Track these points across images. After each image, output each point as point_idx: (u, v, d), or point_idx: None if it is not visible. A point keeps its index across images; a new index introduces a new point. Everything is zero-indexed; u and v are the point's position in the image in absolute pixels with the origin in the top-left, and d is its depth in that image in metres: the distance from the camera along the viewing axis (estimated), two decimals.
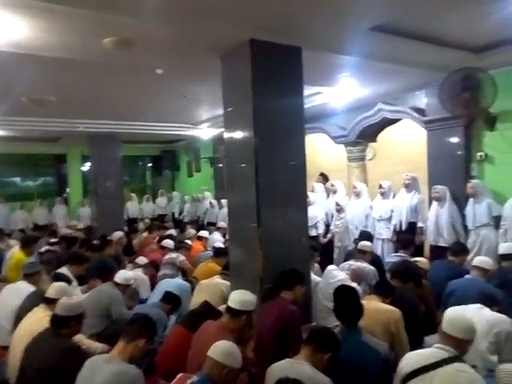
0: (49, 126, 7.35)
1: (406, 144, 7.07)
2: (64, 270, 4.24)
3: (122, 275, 3.85)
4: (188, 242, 5.93)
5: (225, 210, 8.69)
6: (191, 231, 6.98)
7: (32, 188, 11.69)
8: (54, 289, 3.07)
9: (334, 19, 3.29)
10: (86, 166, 11.05)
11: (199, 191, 10.64)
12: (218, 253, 4.85)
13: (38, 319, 2.88)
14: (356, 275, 3.74)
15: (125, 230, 7.82)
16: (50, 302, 2.96)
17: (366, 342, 2.33)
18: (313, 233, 6.27)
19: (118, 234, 6.35)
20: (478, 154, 5.01)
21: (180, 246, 5.56)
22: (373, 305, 2.75)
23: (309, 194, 6.47)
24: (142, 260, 5.00)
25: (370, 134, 6.73)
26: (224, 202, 8.85)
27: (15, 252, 5.57)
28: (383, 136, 7.03)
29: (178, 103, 6.37)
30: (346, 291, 2.62)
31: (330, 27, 3.44)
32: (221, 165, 10.17)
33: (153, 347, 2.88)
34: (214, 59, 3.73)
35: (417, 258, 4.16)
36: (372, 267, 4.13)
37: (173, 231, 7.16)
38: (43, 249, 5.52)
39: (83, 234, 7.61)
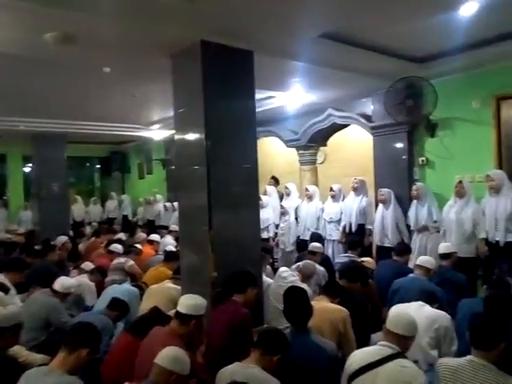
0: None
1: (355, 148, 7.31)
2: (1, 277, 3.94)
3: (60, 282, 3.64)
4: (138, 246, 5.75)
5: (177, 213, 8.56)
6: (142, 235, 6.78)
7: None
8: None
9: (284, 26, 3.35)
10: (28, 167, 10.41)
11: (151, 194, 10.38)
12: (169, 257, 4.73)
13: None
14: (304, 273, 3.80)
15: (70, 234, 7.47)
16: None
17: (314, 342, 2.37)
18: (264, 235, 6.32)
19: (63, 239, 6.04)
20: (420, 158, 5.29)
21: (129, 250, 5.38)
22: (321, 305, 2.81)
23: (262, 196, 6.55)
24: (87, 266, 4.78)
25: (320, 138, 6.91)
26: (176, 204, 8.71)
27: None
28: (334, 140, 7.23)
29: (128, 103, 6.20)
30: (295, 292, 2.64)
31: (281, 33, 3.49)
32: (173, 167, 10.00)
33: (98, 356, 2.76)
34: (164, 59, 3.67)
35: (363, 258, 4.31)
36: (322, 268, 4.23)
37: (122, 235, 6.91)
38: None
39: (24, 239, 7.17)
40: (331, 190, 5.88)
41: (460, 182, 4.55)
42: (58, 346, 2.86)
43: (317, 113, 6.46)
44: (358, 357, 2.13)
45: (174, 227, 7.36)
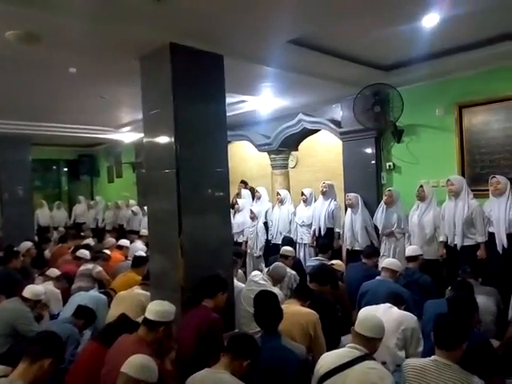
0: None
1: (326, 153, 7.45)
2: None
3: (31, 289, 3.52)
4: (106, 251, 5.61)
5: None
6: (110, 240, 6.61)
7: None
8: None
9: (253, 31, 3.37)
10: None
11: (121, 198, 10.15)
12: (138, 262, 4.64)
13: None
14: (274, 277, 3.80)
15: (35, 239, 7.19)
16: None
17: (284, 346, 2.38)
18: (240, 239, 6.32)
19: (27, 245, 5.82)
20: (387, 163, 5.43)
21: (97, 256, 5.23)
22: (292, 308, 2.82)
23: (238, 200, 6.56)
24: (53, 272, 4.62)
25: (292, 142, 6.98)
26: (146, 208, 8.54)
27: None
28: (305, 145, 7.33)
29: (97, 105, 6.04)
30: (265, 296, 2.65)
31: (250, 38, 3.52)
32: (143, 170, 9.81)
33: (63, 366, 2.66)
34: (133, 61, 3.61)
35: (333, 261, 4.37)
36: (293, 271, 4.26)
37: (90, 240, 6.73)
38: None
39: None
40: (302, 194, 5.93)
41: (421, 186, 4.70)
42: (20, 356, 2.77)
43: (288, 117, 6.52)
44: (328, 359, 2.16)
45: (144, 232, 7.24)
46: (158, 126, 3.52)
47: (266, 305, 2.55)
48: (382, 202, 5.05)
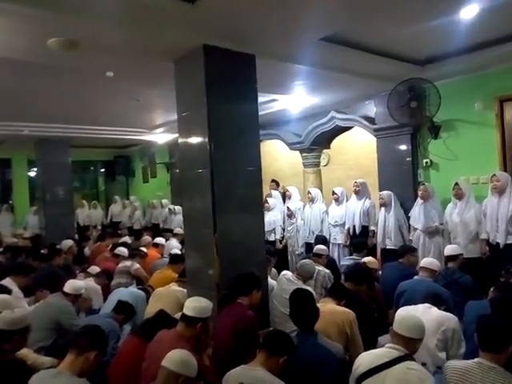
0: None
1: (359, 150, 7.34)
2: (7, 281, 3.98)
3: (71, 284, 3.67)
4: (143, 249, 5.77)
5: (181, 216, 8.57)
6: (147, 238, 6.79)
7: None
8: None
9: (285, 30, 3.36)
10: (33, 172, 10.46)
11: (155, 197, 10.41)
12: (174, 259, 4.74)
13: None
14: (302, 275, 3.78)
15: (75, 238, 7.49)
16: None
17: (321, 345, 2.37)
18: (271, 238, 6.34)
19: (69, 243, 6.06)
20: (424, 160, 5.29)
21: (134, 253, 5.38)
22: (327, 307, 2.81)
23: (268, 199, 6.59)
24: (93, 269, 4.79)
25: (324, 140, 6.92)
26: (180, 208, 8.72)
27: None
28: (337, 142, 7.25)
29: (132, 107, 6.23)
30: (301, 295, 2.65)
31: (282, 37, 3.51)
32: (177, 170, 10.02)
33: (105, 359, 2.77)
34: (167, 63, 3.69)
35: (365, 259, 4.28)
36: (327, 270, 4.23)
37: (127, 238, 6.94)
38: None
39: (30, 243, 7.21)
40: (333, 193, 5.89)
41: (456, 184, 4.55)
42: (65, 349, 2.89)
43: (320, 115, 6.47)
44: (366, 359, 2.13)
45: (179, 230, 7.39)
46: (192, 127, 3.59)
47: (302, 303, 2.54)
48: (418, 197, 4.93)
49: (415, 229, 4.98)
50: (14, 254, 5.79)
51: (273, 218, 6.41)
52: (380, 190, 5.50)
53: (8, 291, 3.44)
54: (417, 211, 4.93)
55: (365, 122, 5.88)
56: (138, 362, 2.56)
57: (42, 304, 3.63)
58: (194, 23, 3.11)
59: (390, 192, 5.27)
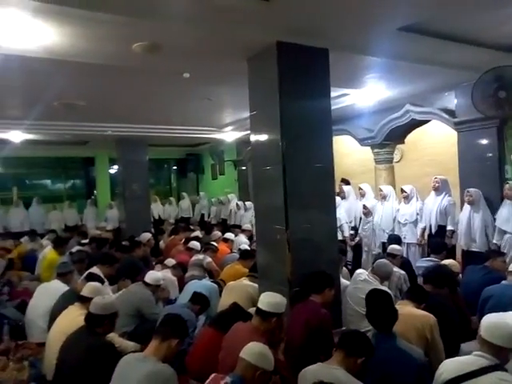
0: (78, 130, 7.56)
1: (435, 145, 6.92)
2: (95, 269, 4.33)
3: (152, 276, 3.92)
4: (214, 243, 5.96)
5: (249, 212, 8.74)
6: (217, 233, 7.01)
7: (62, 190, 12.04)
8: (88, 288, 3.15)
9: (361, 21, 3.26)
10: (114, 169, 11.29)
11: (223, 193, 10.71)
12: (245, 255, 4.85)
13: (73, 317, 2.95)
14: (379, 275, 3.65)
15: (151, 231, 7.94)
16: (84, 301, 3.03)
17: (401, 348, 2.28)
18: (339, 236, 6.22)
19: (147, 236, 6.45)
20: None
21: (206, 247, 5.59)
22: (406, 310, 2.69)
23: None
24: (170, 261, 5.06)
25: (397, 135, 6.62)
26: (248, 204, 8.90)
27: (47, 252, 5.75)
28: (411, 137, 6.90)
29: (203, 106, 6.43)
30: (378, 295, 2.56)
31: (358, 29, 3.41)
32: (244, 167, 10.22)
33: (183, 347, 2.91)
34: (241, 62, 3.76)
35: (447, 261, 4.02)
36: (402, 271, 4.05)
37: (198, 233, 7.22)
38: (74, 249, 5.67)
39: (112, 235, 7.77)
40: (402, 191, 5.64)
41: None
42: (145, 335, 3.08)
43: (393, 109, 6.21)
44: (451, 366, 2.01)
45: (247, 226, 7.54)
46: (265, 124, 3.62)
47: (380, 304, 2.46)
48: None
49: (504, 231, 4.59)
50: (99, 245, 6.28)
51: (338, 215, 6.26)
52: (461, 188, 5.14)
53: (99, 279, 3.73)
54: (505, 212, 4.55)
55: (444, 115, 5.52)
56: (215, 352, 2.66)
57: (126, 292, 3.91)
58: (268, 21, 3.13)
59: (478, 190, 4.90)
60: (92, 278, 3.71)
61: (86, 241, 6.66)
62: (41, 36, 3.03)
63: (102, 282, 3.75)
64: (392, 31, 3.51)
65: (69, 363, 2.51)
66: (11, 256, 6.06)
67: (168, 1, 2.74)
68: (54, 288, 3.93)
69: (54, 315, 3.43)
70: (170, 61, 3.85)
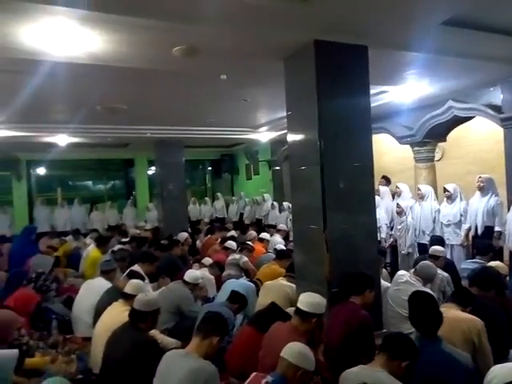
0: (120, 133, 7.84)
1: (480, 142, 6.63)
2: (136, 267, 4.46)
3: (190, 274, 4.00)
4: (250, 243, 5.99)
5: (284, 212, 8.73)
6: (252, 233, 7.04)
7: (103, 191, 12.51)
8: (131, 285, 3.25)
9: (402, 16, 3.17)
10: (152, 170, 11.61)
11: (258, 194, 10.75)
12: (281, 255, 4.84)
13: (117, 313, 3.05)
14: (422, 277, 3.54)
15: (188, 230, 8.09)
16: (128, 298, 3.12)
17: (447, 352, 2.20)
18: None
19: (184, 235, 6.58)
20: None
21: (243, 247, 5.63)
22: (451, 313, 2.59)
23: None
24: (207, 260, 5.14)
25: (439, 133, 6.39)
26: (285, 204, 8.88)
27: (91, 250, 5.98)
28: (452, 135, 6.64)
29: (239, 107, 6.49)
30: (422, 297, 2.49)
31: (399, 24, 3.32)
32: (278, 167, 10.21)
33: (222, 345, 2.94)
34: (277, 62, 3.75)
35: (493, 263, 3.84)
36: (445, 273, 3.92)
37: (234, 232, 7.28)
38: (116, 247, 5.87)
39: (151, 235, 7.99)
40: (445, 190, 5.43)
41: None
42: (185, 332, 3.14)
43: (434, 106, 6.00)
44: (502, 372, 1.91)
45: (282, 226, 7.53)
46: (302, 123, 3.60)
47: (424, 306, 2.38)
48: None
49: None
50: (139, 244, 6.48)
51: (377, 215, 6.12)
52: (508, 187, 4.90)
53: (140, 277, 3.85)
54: None
55: (489, 111, 5.28)
56: (254, 351, 2.67)
57: (166, 290, 4.01)
58: (306, 19, 3.10)
59: None
60: (134, 275, 3.82)
61: (127, 240, 6.88)
62: (87, 43, 3.15)
63: (143, 280, 3.86)
64: (435, 25, 3.40)
65: (114, 357, 2.60)
66: (57, 254, 6.36)
67: (206, 5, 2.78)
68: (98, 285, 4.08)
69: (98, 311, 3.57)
70: (208, 63, 3.91)
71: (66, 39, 3.05)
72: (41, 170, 11.32)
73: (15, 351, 2.18)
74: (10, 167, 10.32)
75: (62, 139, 7.97)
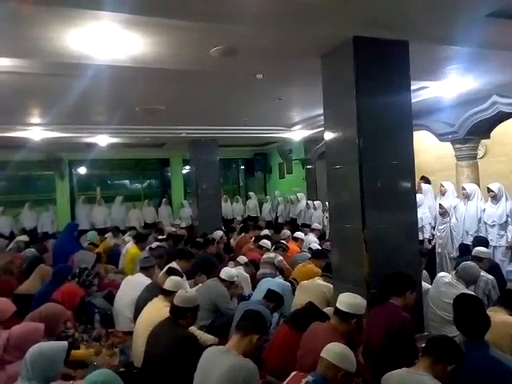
0: (156, 133, 8.03)
1: None
2: (174, 264, 4.56)
3: (227, 272, 4.04)
4: (284, 242, 5.98)
5: (319, 211, 8.66)
6: (286, 232, 7.03)
7: (139, 190, 12.86)
8: (170, 282, 3.32)
9: (445, 8, 3.06)
10: (186, 169, 11.81)
11: (291, 192, 10.70)
12: (317, 254, 4.80)
13: (157, 309, 3.14)
14: (464, 278, 3.40)
15: (222, 229, 8.17)
16: (167, 294, 3.20)
17: (494, 357, 2.11)
18: (419, 237, 5.92)
19: (219, 233, 6.66)
20: None
21: (277, 246, 5.63)
22: (499, 317, 2.49)
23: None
24: (242, 259, 5.18)
25: (482, 129, 6.12)
26: (317, 203, 8.80)
27: (130, 247, 6.16)
28: (496, 131, 6.35)
29: (273, 106, 6.48)
30: (468, 300, 2.40)
31: (441, 18, 3.20)
32: (311, 166, 10.13)
33: (260, 344, 2.95)
34: (314, 60, 3.72)
35: None
36: (490, 276, 3.76)
37: (267, 231, 7.29)
38: (154, 245, 6.01)
39: (185, 232, 8.13)
40: (489, 190, 5.21)
41: None
42: (221, 329, 3.17)
43: (477, 101, 5.75)
44: None
45: (317, 225, 7.47)
46: (340, 121, 3.56)
47: (471, 310, 2.30)
48: None
49: None
50: (175, 242, 6.61)
51: (420, 215, 5.96)
52: None
53: (180, 274, 3.93)
54: None
55: None
56: (292, 350, 2.66)
57: (203, 287, 4.07)
58: (345, 16, 3.06)
59: None
60: (172, 272, 3.91)
61: (163, 237, 7.04)
62: (128, 45, 3.24)
63: (182, 277, 3.93)
64: (480, 18, 3.26)
65: (156, 352, 2.67)
66: (98, 250, 6.60)
67: (246, 4, 2.80)
68: (138, 281, 4.20)
69: (138, 306, 3.68)
70: (245, 63, 3.93)
71: (110, 43, 3.15)
72: (82, 170, 11.77)
73: (65, 343, 2.27)
74: (53, 167, 10.79)
75: (103, 139, 8.25)
